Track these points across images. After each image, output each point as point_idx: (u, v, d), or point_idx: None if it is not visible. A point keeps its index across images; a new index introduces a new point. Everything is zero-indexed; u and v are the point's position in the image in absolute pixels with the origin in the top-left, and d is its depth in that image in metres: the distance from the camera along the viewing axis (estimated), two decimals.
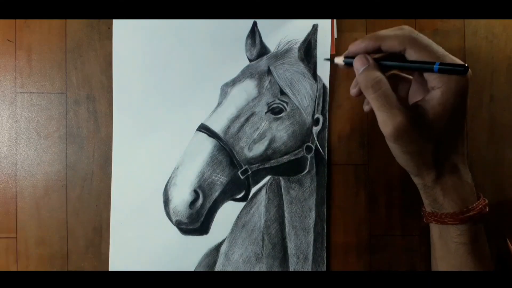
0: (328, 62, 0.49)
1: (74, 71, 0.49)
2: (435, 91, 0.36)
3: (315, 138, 0.49)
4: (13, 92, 0.49)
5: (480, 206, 0.38)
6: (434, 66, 0.35)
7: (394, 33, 0.37)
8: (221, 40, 0.49)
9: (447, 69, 0.34)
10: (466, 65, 0.34)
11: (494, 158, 0.50)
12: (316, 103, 0.49)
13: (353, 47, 0.39)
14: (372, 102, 0.36)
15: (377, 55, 0.38)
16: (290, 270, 0.49)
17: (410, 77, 0.41)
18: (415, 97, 0.39)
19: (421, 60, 0.36)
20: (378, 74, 0.36)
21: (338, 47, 0.50)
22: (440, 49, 0.36)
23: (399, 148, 0.37)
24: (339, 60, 0.40)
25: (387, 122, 0.35)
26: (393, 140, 0.36)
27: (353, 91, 0.41)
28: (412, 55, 0.36)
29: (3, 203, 0.49)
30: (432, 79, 0.36)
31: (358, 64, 0.37)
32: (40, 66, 0.49)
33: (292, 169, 0.49)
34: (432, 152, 0.37)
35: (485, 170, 0.50)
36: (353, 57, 0.38)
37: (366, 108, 0.42)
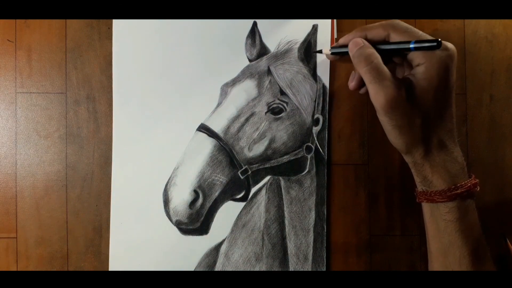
0: (328, 63, 0.49)
1: (74, 71, 0.49)
2: (419, 66, 0.38)
3: (315, 138, 0.49)
4: (13, 92, 0.49)
5: (469, 184, 0.38)
6: (410, 44, 0.37)
7: (378, 23, 0.40)
8: (221, 40, 0.49)
9: (421, 46, 0.37)
10: (439, 39, 0.36)
11: (494, 158, 0.50)
12: (316, 103, 0.49)
13: (342, 40, 0.41)
14: (365, 76, 0.38)
15: (343, 38, 0.41)
16: (290, 270, 0.49)
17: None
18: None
19: (399, 41, 0.38)
20: (370, 50, 0.38)
21: None
22: (420, 32, 0.38)
23: (389, 122, 0.38)
24: (326, 50, 0.43)
25: (379, 94, 0.37)
26: (384, 113, 0.37)
27: (351, 84, 0.43)
28: (395, 38, 0.39)
29: (3, 203, 0.49)
30: (415, 57, 0.38)
31: (352, 45, 0.39)
32: (40, 66, 0.49)
33: (292, 169, 0.49)
34: (420, 126, 0.38)
35: (485, 170, 0.50)
36: (341, 47, 0.41)
37: (351, 85, 0.44)
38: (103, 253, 0.49)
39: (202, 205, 0.47)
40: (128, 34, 0.49)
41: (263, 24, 0.49)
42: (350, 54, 0.40)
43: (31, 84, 0.49)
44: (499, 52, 0.50)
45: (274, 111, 0.49)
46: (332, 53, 0.43)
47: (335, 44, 0.43)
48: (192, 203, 0.47)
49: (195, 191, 0.47)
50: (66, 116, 0.49)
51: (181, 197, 0.47)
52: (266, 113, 0.49)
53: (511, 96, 0.50)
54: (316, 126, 0.49)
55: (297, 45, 0.49)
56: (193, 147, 0.48)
